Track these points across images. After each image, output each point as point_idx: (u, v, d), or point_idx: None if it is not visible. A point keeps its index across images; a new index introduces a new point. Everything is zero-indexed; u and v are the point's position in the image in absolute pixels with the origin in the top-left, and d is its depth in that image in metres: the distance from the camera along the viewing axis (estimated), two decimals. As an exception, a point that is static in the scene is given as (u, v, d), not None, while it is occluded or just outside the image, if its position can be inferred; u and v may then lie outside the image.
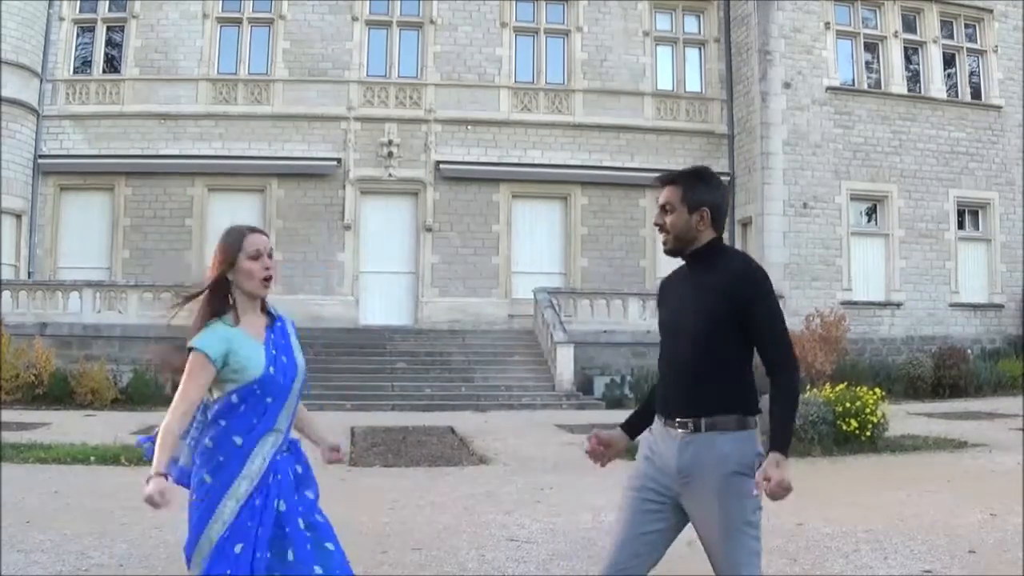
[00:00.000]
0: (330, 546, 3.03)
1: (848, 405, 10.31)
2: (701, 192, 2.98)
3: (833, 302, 19.92)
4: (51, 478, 8.33)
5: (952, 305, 21.60)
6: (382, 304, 20.90)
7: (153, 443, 2.95)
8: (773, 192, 20.75)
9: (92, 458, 9.38)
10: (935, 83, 22.09)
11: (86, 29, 21.23)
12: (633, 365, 18.15)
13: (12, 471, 8.44)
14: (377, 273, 21.02)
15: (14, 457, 9.30)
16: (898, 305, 21.25)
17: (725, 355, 2.86)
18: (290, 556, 2.93)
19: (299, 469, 3.12)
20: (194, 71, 20.97)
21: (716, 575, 2.88)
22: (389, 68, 21.64)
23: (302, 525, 2.99)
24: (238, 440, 2.97)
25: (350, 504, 6.67)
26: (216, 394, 3.02)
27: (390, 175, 21.23)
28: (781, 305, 3.00)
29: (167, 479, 2.85)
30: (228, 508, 2.90)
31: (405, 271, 21.27)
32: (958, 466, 9.40)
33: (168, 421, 2.91)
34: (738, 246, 19.71)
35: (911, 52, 22.32)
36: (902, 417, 13.06)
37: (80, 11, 21.06)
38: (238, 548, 2.88)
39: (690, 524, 2.95)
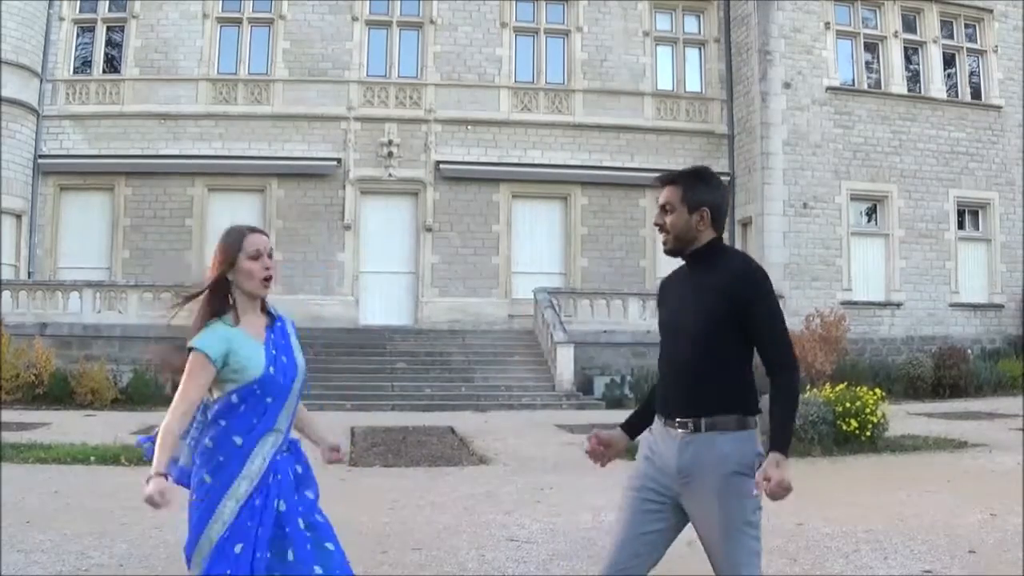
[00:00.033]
0: (330, 546, 3.04)
1: (848, 405, 10.31)
2: (701, 192, 2.98)
3: (833, 302, 19.92)
4: (51, 478, 8.33)
5: (952, 305, 21.60)
6: (382, 304, 20.90)
7: (153, 443, 2.96)
8: (773, 192, 20.75)
9: (92, 458, 9.38)
10: (935, 83, 22.09)
11: (86, 29, 21.23)
12: (633, 365, 18.15)
13: (12, 471, 8.44)
14: (377, 273, 21.02)
15: (14, 457, 9.30)
16: (898, 305, 21.25)
17: (725, 355, 2.86)
18: (290, 556, 2.93)
19: (299, 469, 3.13)
20: (194, 71, 20.97)
21: (716, 575, 2.88)
22: (389, 68, 21.64)
23: (302, 525, 2.99)
24: (238, 440, 2.97)
25: (350, 504, 6.67)
26: (216, 394, 3.02)
27: (390, 175, 21.23)
28: (781, 305, 3.00)
29: (167, 479, 2.85)
30: (228, 508, 2.91)
31: (405, 271, 21.27)
32: (958, 466, 9.40)
33: (168, 421, 2.92)
34: (738, 246, 19.71)
35: (911, 52, 22.32)
36: (902, 417, 13.06)
37: (80, 11, 21.06)
38: (238, 548, 2.88)
39: (690, 524, 2.95)
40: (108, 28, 21.21)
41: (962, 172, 21.95)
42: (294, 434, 3.19)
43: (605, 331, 18.95)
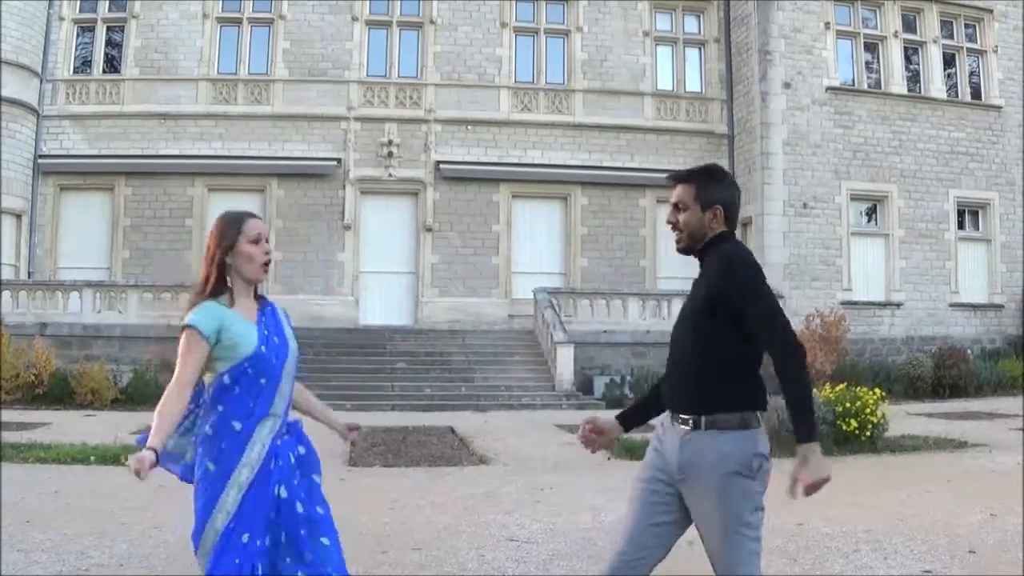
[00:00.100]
0: (326, 541, 3.05)
1: (848, 405, 10.31)
2: (714, 190, 2.98)
3: (833, 302, 19.93)
4: (51, 478, 8.33)
5: (952, 305, 21.60)
6: (382, 304, 20.90)
7: (152, 442, 2.98)
8: (773, 192, 20.76)
9: (92, 458, 9.38)
10: (935, 83, 22.09)
11: (86, 29, 21.23)
12: (633, 365, 18.16)
13: (12, 471, 8.43)
14: (377, 273, 21.02)
15: (14, 457, 9.30)
16: (898, 305, 21.25)
17: (724, 352, 2.84)
18: (284, 538, 3.00)
19: (301, 450, 3.15)
20: (194, 71, 20.97)
21: (716, 575, 2.88)
22: (389, 68, 21.64)
23: (300, 509, 3.02)
24: (237, 425, 2.98)
25: (350, 504, 6.67)
26: (209, 377, 3.03)
27: (390, 175, 21.22)
28: (781, 305, 2.98)
29: (155, 455, 2.85)
30: (231, 497, 2.93)
31: (405, 271, 21.26)
32: (958, 466, 9.39)
33: (164, 399, 2.93)
34: (738, 246, 19.68)
35: (911, 52, 22.33)
36: (902, 417, 13.06)
37: (80, 11, 21.07)
38: (245, 537, 2.92)
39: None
40: (108, 28, 21.22)
41: (962, 172, 21.95)
42: (305, 419, 3.23)
43: (605, 331, 18.94)
